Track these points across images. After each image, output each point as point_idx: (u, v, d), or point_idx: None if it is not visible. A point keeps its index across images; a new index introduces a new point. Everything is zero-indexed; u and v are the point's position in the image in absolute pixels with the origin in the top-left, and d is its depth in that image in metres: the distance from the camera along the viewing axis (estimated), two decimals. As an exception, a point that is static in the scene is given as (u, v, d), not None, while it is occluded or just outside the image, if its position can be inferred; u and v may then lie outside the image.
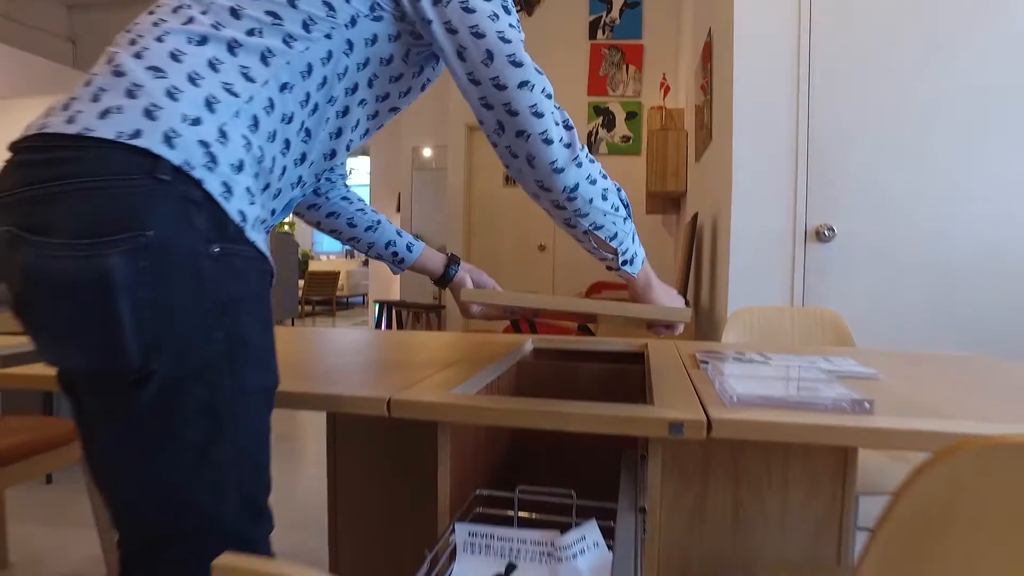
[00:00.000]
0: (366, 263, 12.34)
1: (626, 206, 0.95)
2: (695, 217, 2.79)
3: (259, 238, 0.73)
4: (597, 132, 5.38)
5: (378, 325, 7.13)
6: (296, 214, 1.15)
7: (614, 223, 0.92)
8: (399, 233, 1.18)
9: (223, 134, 0.69)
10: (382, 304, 7.14)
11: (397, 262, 1.19)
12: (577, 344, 1.47)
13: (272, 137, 0.76)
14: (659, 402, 0.84)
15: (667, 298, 1.02)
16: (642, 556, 0.72)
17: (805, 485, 1.12)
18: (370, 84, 0.86)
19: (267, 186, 0.78)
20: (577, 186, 0.86)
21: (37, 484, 2.56)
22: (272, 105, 0.75)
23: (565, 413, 0.79)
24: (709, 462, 1.12)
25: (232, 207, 0.69)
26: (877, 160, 2.08)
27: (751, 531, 1.17)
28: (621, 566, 0.56)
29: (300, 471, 2.85)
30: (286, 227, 9.50)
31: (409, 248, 1.19)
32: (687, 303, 1.08)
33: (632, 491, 0.72)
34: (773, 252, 2.11)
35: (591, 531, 0.79)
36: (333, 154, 0.89)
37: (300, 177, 0.86)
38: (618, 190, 0.93)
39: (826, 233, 2.08)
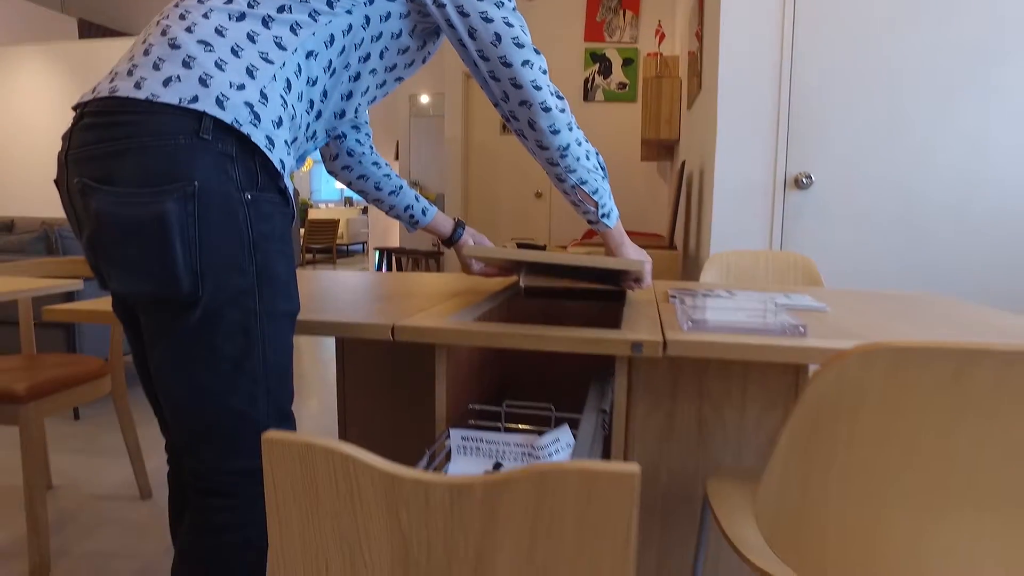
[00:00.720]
0: (365, 211, 12.38)
1: (603, 169, 1.11)
2: (683, 165, 2.89)
3: (289, 184, 0.86)
4: (593, 79, 5.39)
5: (379, 271, 7.27)
6: (330, 172, 1.30)
7: (596, 180, 1.08)
8: (417, 198, 1.34)
9: (264, 96, 0.82)
10: (382, 251, 7.25)
11: (412, 223, 1.35)
12: (565, 284, 1.60)
13: (301, 97, 0.89)
14: (626, 327, 0.98)
15: (636, 254, 1.17)
16: (601, 446, 0.86)
17: (761, 402, 1.27)
18: (381, 55, 0.99)
19: (295, 139, 0.91)
20: (568, 146, 1.03)
21: (67, 420, 2.74)
22: (300, 70, 0.88)
23: (544, 335, 0.93)
24: (676, 383, 1.27)
25: (275, 157, 0.82)
26: (854, 112, 2.17)
27: (713, 443, 1.33)
28: (580, 452, 0.70)
29: (312, 395, 3.03)
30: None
31: (424, 212, 1.35)
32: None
33: (597, 400, 0.86)
34: (754, 199, 2.22)
35: (564, 434, 0.93)
36: (343, 113, 1.02)
37: (315, 132, 0.98)
38: (597, 155, 1.10)
39: (804, 181, 2.19)
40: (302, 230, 9.99)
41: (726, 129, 2.21)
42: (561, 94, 1.01)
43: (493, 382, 1.30)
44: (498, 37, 0.94)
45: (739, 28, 2.17)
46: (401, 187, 1.31)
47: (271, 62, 0.83)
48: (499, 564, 0.52)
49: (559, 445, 0.93)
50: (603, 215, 1.11)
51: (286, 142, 0.85)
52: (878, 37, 2.14)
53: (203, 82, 0.78)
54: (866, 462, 0.68)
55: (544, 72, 0.98)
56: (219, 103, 0.78)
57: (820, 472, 0.70)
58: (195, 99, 0.77)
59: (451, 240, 1.38)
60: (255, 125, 0.80)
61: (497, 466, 0.98)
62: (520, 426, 1.07)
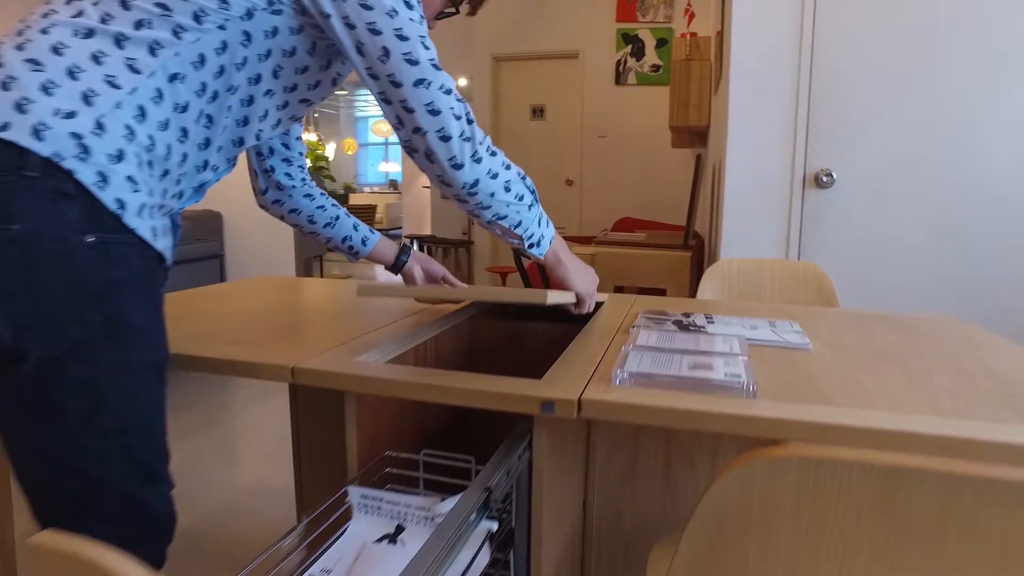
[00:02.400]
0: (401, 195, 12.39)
1: (532, 192, 0.98)
2: (699, 157, 2.68)
3: (142, 224, 0.75)
4: (625, 62, 5.15)
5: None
6: (260, 206, 1.22)
7: (518, 212, 0.95)
8: (356, 227, 1.23)
9: (100, 125, 0.71)
10: (412, 239, 7.21)
11: (353, 254, 1.25)
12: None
13: (164, 126, 0.78)
14: (550, 375, 0.84)
15: (576, 275, 1.05)
16: (484, 538, 0.74)
17: (737, 445, 1.11)
18: (275, 75, 0.87)
19: (166, 172, 0.81)
20: (477, 182, 0.89)
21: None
22: (161, 95, 0.77)
23: (442, 387, 0.80)
24: (639, 425, 1.13)
25: (107, 196, 0.71)
26: (884, 100, 1.93)
27: (681, 489, 1.18)
28: (428, 553, 0.58)
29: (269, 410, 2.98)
30: (323, 164, 9.57)
31: (364, 242, 1.24)
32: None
33: (492, 470, 0.74)
34: (769, 198, 2.02)
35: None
36: (241, 141, 0.91)
37: (207, 161, 0.88)
38: (523, 178, 0.96)
39: (825, 179, 1.97)
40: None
41: (739, 117, 2.01)
42: (472, 117, 0.87)
43: (425, 422, 1.18)
44: (386, 52, 0.81)
45: (754, 8, 1.96)
46: (337, 218, 1.21)
47: (117, 87, 0.72)
48: None
49: (462, 514, 0.81)
50: (530, 246, 0.98)
51: (130, 179, 0.74)
52: (913, 15, 1.89)
53: (20, 108, 0.67)
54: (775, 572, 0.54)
55: (447, 92, 0.84)
56: (36, 133, 0.67)
57: (727, 594, 0.56)
58: (4, 127, 0.67)
59: (396, 267, 1.27)
60: (82, 159, 0.69)
61: (399, 529, 0.87)
62: (441, 478, 0.95)
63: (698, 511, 0.54)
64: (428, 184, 7.64)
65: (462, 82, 6.59)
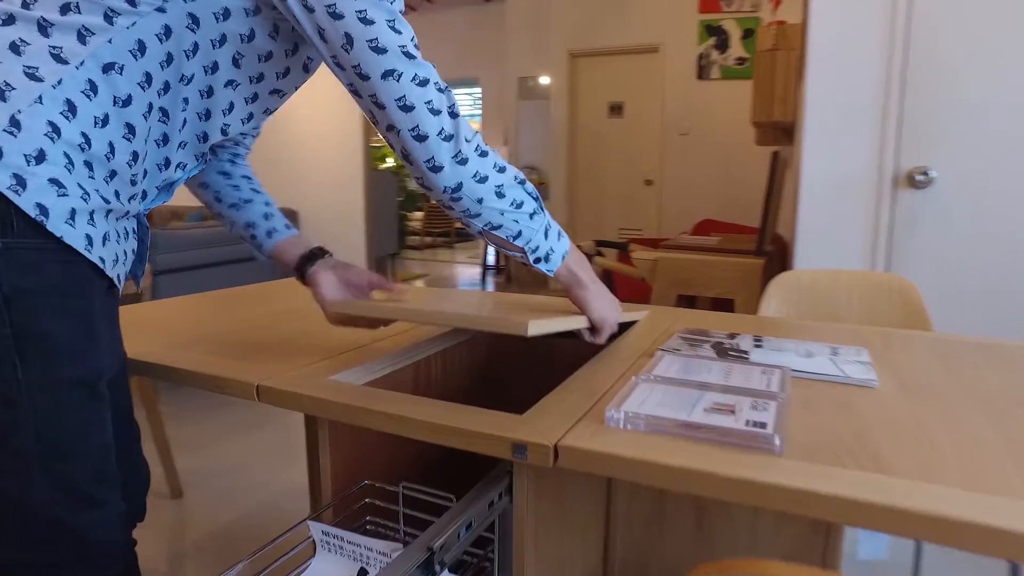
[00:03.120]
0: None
1: (535, 198, 0.84)
2: (775, 155, 2.43)
3: (72, 232, 0.68)
4: (709, 55, 4.86)
5: (484, 260, 7.20)
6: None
7: (516, 221, 0.82)
8: (266, 216, 1.01)
9: (15, 123, 0.64)
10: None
11: (256, 245, 1.02)
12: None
13: (103, 122, 0.70)
14: (536, 410, 0.71)
15: (595, 298, 0.90)
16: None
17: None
18: (235, 63, 0.78)
19: (113, 173, 0.73)
20: (460, 185, 0.77)
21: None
22: (94, 88, 0.69)
23: (401, 418, 0.69)
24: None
25: (25, 201, 0.65)
26: (992, 89, 1.65)
27: (717, 535, 1.01)
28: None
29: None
30: (388, 161, 9.70)
31: (270, 234, 1.00)
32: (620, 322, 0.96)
33: (445, 523, 0.61)
34: (852, 200, 1.77)
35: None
36: (206, 136, 0.83)
37: (168, 159, 0.81)
38: (521, 183, 0.83)
39: (920, 178, 1.71)
40: (419, 214, 10.18)
41: (817, 107, 1.78)
42: (457, 110, 0.75)
43: (416, 449, 1.07)
44: (349, 39, 0.70)
45: (840, -14, 1.72)
46: (248, 201, 1.01)
47: (39, 79, 0.65)
48: None
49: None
50: (536, 260, 0.85)
51: (55, 181, 0.66)
52: (1039, -13, 1.60)
53: None
54: None
55: (422, 84, 0.72)
56: None
57: None
58: None
59: (301, 273, 0.98)
60: None
61: (362, 572, 0.76)
62: (420, 514, 0.84)
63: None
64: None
65: (543, 80, 6.47)
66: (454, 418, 0.68)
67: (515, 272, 7.03)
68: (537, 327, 0.76)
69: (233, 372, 0.83)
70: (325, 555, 0.78)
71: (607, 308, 0.91)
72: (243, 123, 0.85)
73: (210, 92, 0.78)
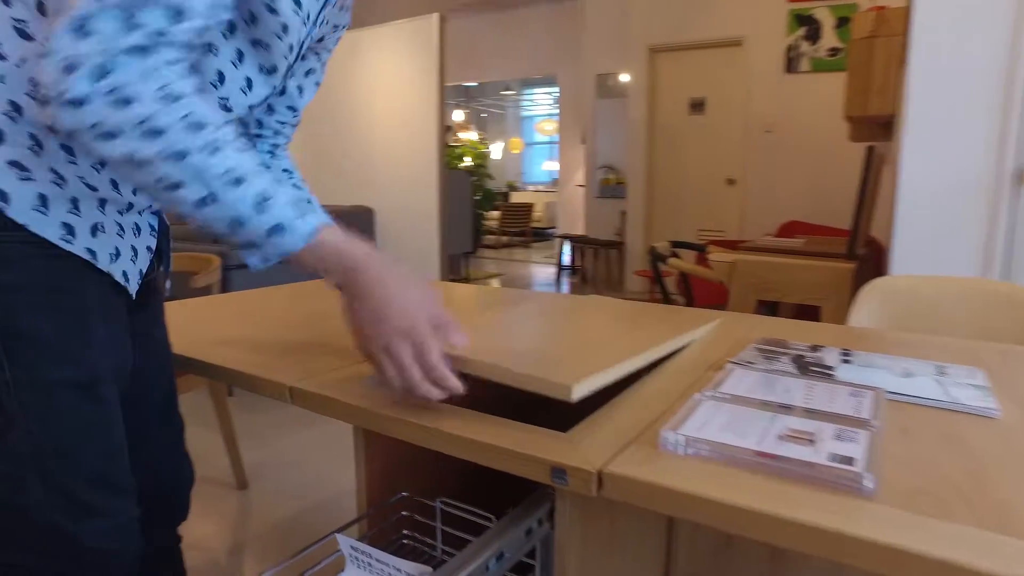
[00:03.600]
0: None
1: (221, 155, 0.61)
2: (871, 150, 2.22)
3: (43, 220, 0.64)
4: (798, 46, 4.57)
5: (560, 260, 7.12)
6: None
7: (224, 192, 0.61)
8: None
9: None
10: (563, 238, 7.08)
11: None
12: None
13: None
14: (583, 428, 0.63)
15: (378, 305, 0.65)
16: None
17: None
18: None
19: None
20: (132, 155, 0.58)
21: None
22: None
23: (438, 431, 0.63)
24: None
25: None
26: None
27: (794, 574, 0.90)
28: None
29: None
30: (481, 162, 9.77)
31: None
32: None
33: (471, 554, 0.54)
34: (961, 200, 1.58)
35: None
36: None
37: None
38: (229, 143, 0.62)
39: (1047, 175, 1.50)
40: (496, 213, 10.20)
41: (921, 97, 1.59)
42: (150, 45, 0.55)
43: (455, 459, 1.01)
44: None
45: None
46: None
47: (1, 57, 0.62)
48: None
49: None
50: (247, 244, 0.64)
51: (15, 163, 0.62)
52: None
53: None
54: None
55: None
56: None
57: None
58: None
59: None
60: None
61: (392, 601, 0.71)
62: (459, 533, 0.78)
63: None
64: (582, 183, 7.47)
65: (622, 77, 6.31)
66: (490, 434, 0.61)
67: (591, 272, 6.91)
68: (584, 387, 0.64)
69: (268, 372, 0.80)
70: (355, 571, 0.73)
71: (401, 323, 0.64)
72: (245, 93, 0.76)
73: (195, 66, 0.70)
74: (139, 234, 0.77)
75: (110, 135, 0.55)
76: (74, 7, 0.53)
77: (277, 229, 0.62)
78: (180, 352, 0.89)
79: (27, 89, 0.63)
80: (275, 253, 0.64)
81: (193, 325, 1.09)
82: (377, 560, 0.70)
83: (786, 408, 0.66)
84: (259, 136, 0.97)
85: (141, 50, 0.54)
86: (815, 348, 0.93)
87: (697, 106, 5.30)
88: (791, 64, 4.63)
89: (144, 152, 0.56)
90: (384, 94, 4.66)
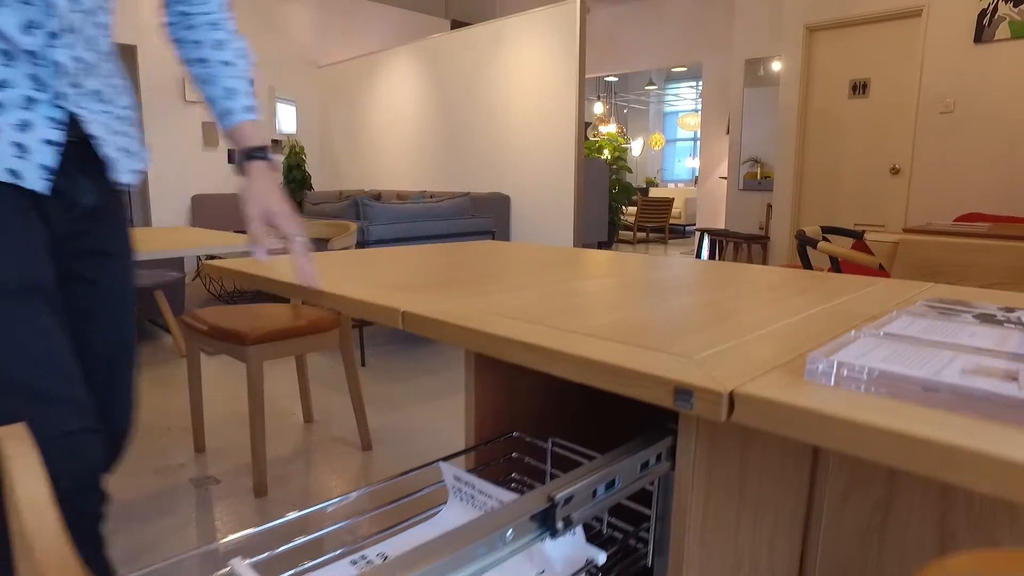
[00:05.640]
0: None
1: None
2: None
3: None
4: (995, 9, 3.98)
5: (698, 255, 6.81)
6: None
7: None
8: (228, 94, 0.95)
9: None
10: (702, 232, 6.77)
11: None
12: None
13: None
14: (711, 355, 0.55)
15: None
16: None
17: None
18: None
19: None
20: None
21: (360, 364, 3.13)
22: None
23: (550, 351, 0.58)
24: (883, 465, 0.74)
25: None
26: None
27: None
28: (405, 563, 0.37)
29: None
30: (620, 155, 9.58)
31: (224, 116, 0.97)
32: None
33: (573, 477, 0.48)
34: None
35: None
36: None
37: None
38: None
39: None
40: (633, 208, 9.97)
41: None
42: None
43: (574, 402, 0.94)
44: None
45: None
46: (209, 77, 0.95)
47: None
48: None
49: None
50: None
51: None
52: None
53: None
54: None
55: None
56: None
57: None
58: None
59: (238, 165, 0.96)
60: None
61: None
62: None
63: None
64: (724, 175, 7.10)
65: (774, 64, 5.91)
66: (608, 353, 0.55)
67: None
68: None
69: (383, 300, 0.79)
70: (456, 503, 0.70)
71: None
72: None
73: None
74: (27, 129, 0.75)
75: None
76: None
77: None
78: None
79: None
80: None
81: (325, 271, 1.12)
82: (480, 491, 0.67)
83: (974, 349, 0.54)
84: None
85: None
86: (1010, 309, 0.77)
87: (859, 88, 4.83)
88: (982, 32, 4.06)
89: None
90: (524, 82, 4.69)
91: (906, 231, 2.08)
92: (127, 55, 5.94)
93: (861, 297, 0.84)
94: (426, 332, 0.71)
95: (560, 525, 0.46)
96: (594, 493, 0.50)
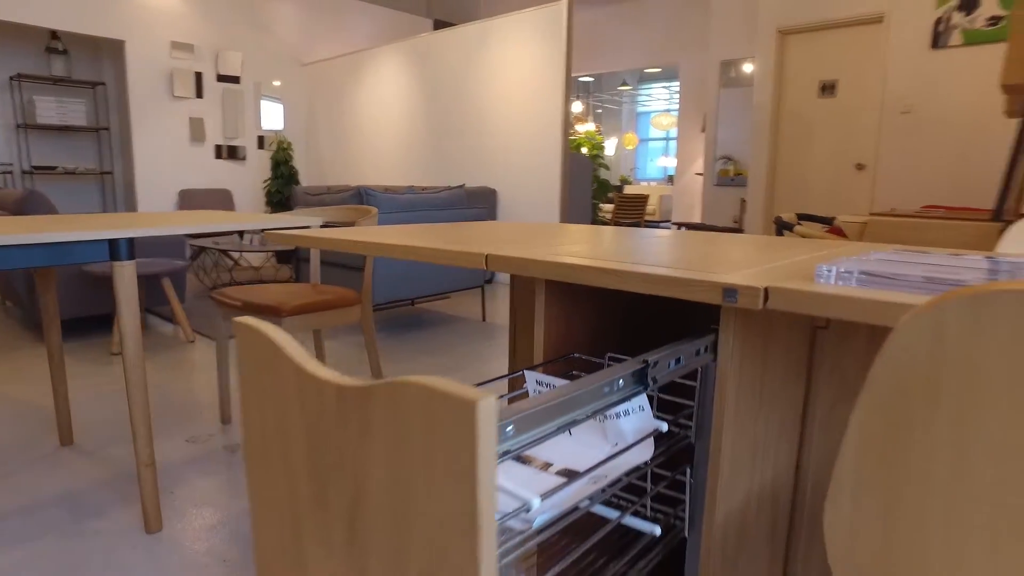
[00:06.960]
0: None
1: None
2: (1027, 109, 2.10)
3: None
4: (949, 19, 4.31)
5: (674, 248, 7.08)
6: None
7: None
8: None
9: None
10: (679, 225, 7.04)
11: None
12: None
13: None
14: (742, 274, 0.75)
15: None
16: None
17: None
18: None
19: None
20: None
21: (387, 337, 3.28)
22: None
23: (619, 272, 0.77)
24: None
25: None
26: None
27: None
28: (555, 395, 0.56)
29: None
30: (598, 152, 9.84)
31: None
32: None
33: (657, 353, 0.67)
34: None
35: (640, 399, 0.76)
36: None
37: None
38: None
39: None
40: (611, 206, 10.23)
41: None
42: None
43: (617, 324, 1.14)
44: None
45: None
46: None
47: None
48: (372, 460, 0.50)
49: (630, 407, 0.77)
50: None
51: None
52: None
53: None
54: (983, 466, 0.40)
55: None
56: None
57: (910, 485, 0.44)
58: None
59: None
60: None
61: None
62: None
63: (871, 378, 0.43)
64: (701, 171, 7.38)
65: (746, 66, 6.19)
66: (667, 272, 0.74)
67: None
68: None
69: (465, 247, 0.97)
70: (538, 403, 0.88)
71: None
72: None
73: None
74: None
75: None
76: None
77: None
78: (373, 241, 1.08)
79: None
80: None
81: (385, 237, 1.29)
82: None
83: (947, 266, 0.74)
84: None
85: None
86: (958, 255, 0.99)
87: (828, 89, 5.12)
88: (938, 39, 4.38)
89: None
90: (510, 81, 4.87)
91: (873, 215, 2.32)
92: (115, 50, 5.97)
93: (842, 249, 1.05)
94: (511, 269, 0.89)
95: (651, 382, 0.65)
96: (669, 364, 0.69)
